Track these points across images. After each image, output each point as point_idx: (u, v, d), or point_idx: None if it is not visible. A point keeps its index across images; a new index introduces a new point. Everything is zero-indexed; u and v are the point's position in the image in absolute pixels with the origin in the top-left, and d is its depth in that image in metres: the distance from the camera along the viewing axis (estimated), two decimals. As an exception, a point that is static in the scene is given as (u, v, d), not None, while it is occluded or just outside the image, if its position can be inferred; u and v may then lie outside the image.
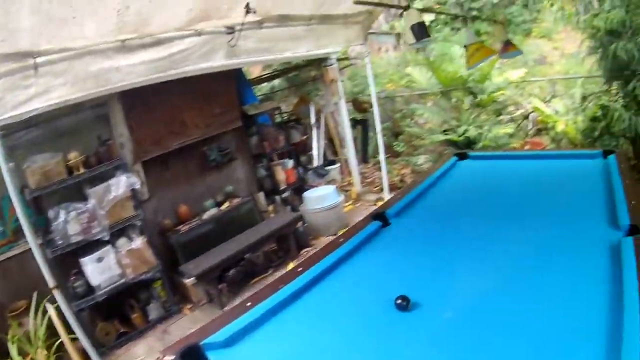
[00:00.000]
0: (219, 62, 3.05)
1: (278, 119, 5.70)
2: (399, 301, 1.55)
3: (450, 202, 2.61)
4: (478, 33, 7.04)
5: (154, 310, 3.53)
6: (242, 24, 2.69)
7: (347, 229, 2.24)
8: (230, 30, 2.72)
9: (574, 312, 1.37)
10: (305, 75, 6.60)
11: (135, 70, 2.64)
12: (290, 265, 4.06)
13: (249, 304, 1.59)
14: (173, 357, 1.30)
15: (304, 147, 5.78)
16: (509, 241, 1.97)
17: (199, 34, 2.70)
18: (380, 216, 2.27)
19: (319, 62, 5.76)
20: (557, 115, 5.79)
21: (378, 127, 4.60)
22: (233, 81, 4.51)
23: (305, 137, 5.75)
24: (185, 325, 3.42)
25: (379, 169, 6.17)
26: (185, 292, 3.78)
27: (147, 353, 3.13)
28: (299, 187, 5.17)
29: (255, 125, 4.86)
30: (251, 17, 2.73)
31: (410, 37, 2.83)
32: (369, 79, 4.67)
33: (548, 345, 1.25)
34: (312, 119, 5.85)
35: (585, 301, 1.42)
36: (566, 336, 1.27)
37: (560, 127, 5.48)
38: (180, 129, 4.02)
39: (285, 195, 5.05)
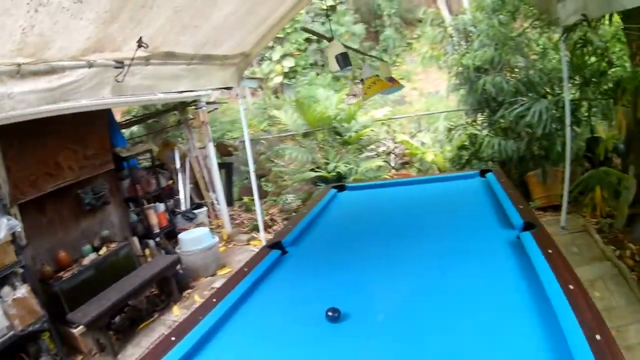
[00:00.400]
0: (105, 97, 2.94)
1: (144, 163, 5.64)
2: (330, 313, 1.61)
3: (343, 228, 2.78)
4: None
5: (44, 366, 3.19)
6: (132, 59, 2.67)
7: (249, 259, 2.33)
8: (120, 64, 2.66)
9: (497, 298, 1.62)
10: (164, 122, 6.77)
11: (26, 98, 2.39)
12: (175, 309, 4.10)
13: (173, 338, 1.59)
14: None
15: (171, 192, 5.82)
16: (415, 252, 2.18)
17: (90, 65, 2.57)
18: (277, 245, 2.41)
19: (183, 107, 5.96)
20: (424, 147, 6.61)
21: (251, 167, 4.74)
22: (105, 122, 4.46)
23: (171, 181, 5.81)
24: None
25: (245, 211, 6.60)
26: (74, 342, 3.59)
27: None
28: (170, 232, 5.25)
29: (127, 168, 4.78)
30: (140, 52, 2.71)
31: (334, 65, 3.17)
32: (242, 121, 4.88)
33: (484, 327, 1.46)
34: (177, 164, 5.92)
35: (503, 288, 1.67)
36: (499, 315, 1.50)
37: (429, 157, 6.22)
38: (55, 171, 3.84)
39: (158, 239, 5.03)
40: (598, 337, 1.23)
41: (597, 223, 4.47)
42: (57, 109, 2.90)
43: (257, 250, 2.56)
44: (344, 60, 3.15)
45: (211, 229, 5.57)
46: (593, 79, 4.48)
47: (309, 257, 2.35)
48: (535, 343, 1.32)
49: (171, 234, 5.25)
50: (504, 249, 2.02)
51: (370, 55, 8.65)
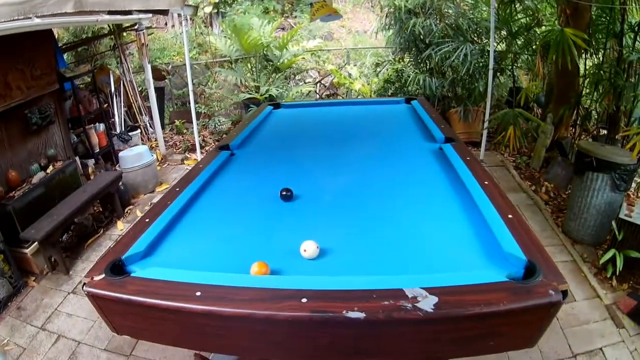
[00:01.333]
0: (69, 14, 3.15)
1: (81, 86, 5.78)
2: (284, 192, 1.92)
3: (284, 136, 3.17)
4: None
5: (1, 289, 3.41)
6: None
7: (201, 158, 2.66)
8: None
9: (425, 189, 2.07)
10: (94, 49, 6.86)
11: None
12: (119, 224, 4.38)
13: (147, 220, 1.82)
14: (102, 275, 1.45)
15: (106, 115, 5.93)
16: (352, 154, 2.60)
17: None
18: (225, 148, 2.82)
19: (119, 31, 6.07)
20: (352, 78, 7.10)
21: (190, 86, 5.15)
22: (51, 43, 4.49)
23: (106, 105, 5.92)
24: (37, 297, 3.40)
25: (177, 134, 6.93)
26: (26, 265, 3.69)
27: (11, 334, 3.06)
28: (107, 153, 5.47)
29: (70, 89, 4.92)
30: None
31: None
32: (184, 46, 5.24)
33: (415, 202, 1.94)
34: (112, 88, 6.03)
35: (429, 182, 2.12)
36: (427, 200, 1.95)
37: (356, 87, 6.76)
38: (4, 91, 3.83)
39: (98, 159, 5.25)
40: (510, 216, 1.63)
41: (514, 160, 5.14)
42: (6, 29, 3.01)
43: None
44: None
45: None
46: (518, 34, 4.93)
47: (257, 157, 2.77)
48: (460, 222, 1.71)
49: (108, 156, 5.48)
50: (428, 156, 2.49)
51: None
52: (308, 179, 2.29)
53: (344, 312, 1.19)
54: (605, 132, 4.42)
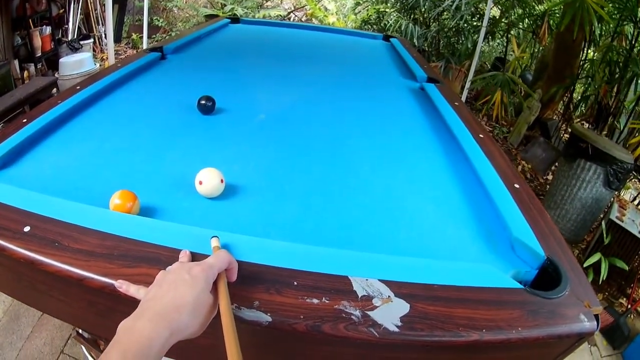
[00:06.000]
0: None
1: None
2: (202, 102, 1.45)
3: (233, 48, 2.61)
4: None
5: None
6: None
7: (123, 57, 2.13)
8: None
9: (397, 132, 1.57)
10: None
11: None
12: None
13: (24, 120, 1.34)
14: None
15: (60, 21, 5.28)
16: (311, 78, 2.10)
17: None
18: (158, 50, 2.21)
19: None
20: (328, 12, 6.49)
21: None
22: None
23: (62, 10, 5.21)
24: None
25: (132, 48, 6.41)
26: None
27: None
28: (52, 59, 4.88)
29: None
30: None
31: None
32: None
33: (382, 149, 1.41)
34: None
35: (406, 126, 1.62)
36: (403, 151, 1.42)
37: (330, 20, 6.20)
38: None
39: (40, 64, 4.66)
40: (517, 185, 1.15)
41: (491, 131, 4.71)
42: None
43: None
44: None
45: (95, 60, 5.09)
46: None
47: (192, 64, 2.19)
48: (447, 185, 1.21)
49: (54, 62, 4.86)
50: (405, 93, 2.01)
51: None
52: (244, 92, 1.80)
53: (234, 305, 0.65)
54: (587, 125, 4.05)
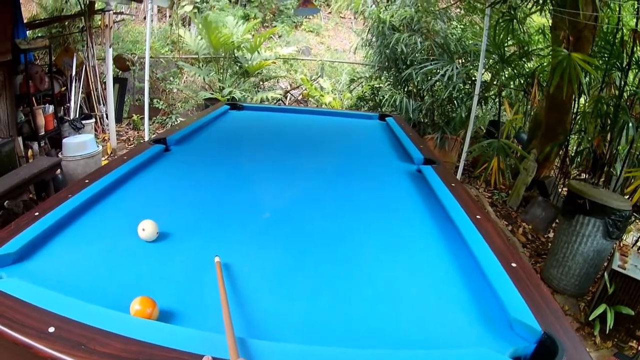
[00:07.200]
0: None
1: (40, 62, 5.34)
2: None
3: (234, 138, 2.71)
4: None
5: None
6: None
7: (128, 150, 2.23)
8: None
9: (397, 219, 1.62)
10: (68, 31, 6.25)
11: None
12: None
13: (36, 214, 1.42)
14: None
15: (62, 99, 5.50)
16: (311, 167, 2.17)
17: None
18: (161, 142, 2.34)
19: (90, 12, 5.62)
20: (324, 91, 6.78)
21: (147, 77, 4.71)
22: (9, 9, 4.01)
23: (64, 88, 5.45)
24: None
25: (133, 129, 6.61)
26: None
27: None
28: (55, 138, 4.99)
29: (24, 63, 4.39)
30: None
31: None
32: (146, 32, 4.74)
33: (381, 236, 1.47)
34: (73, 71, 5.50)
35: (405, 212, 1.68)
36: (399, 231, 1.52)
37: (327, 100, 6.41)
38: None
39: (43, 142, 4.78)
40: (514, 264, 1.23)
41: (490, 197, 4.77)
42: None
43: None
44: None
45: (97, 141, 5.27)
46: (510, 60, 4.54)
47: (193, 156, 2.30)
48: (446, 270, 1.27)
49: (56, 141, 4.95)
50: (403, 178, 2.06)
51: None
52: (248, 188, 1.87)
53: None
54: (584, 175, 4.15)
